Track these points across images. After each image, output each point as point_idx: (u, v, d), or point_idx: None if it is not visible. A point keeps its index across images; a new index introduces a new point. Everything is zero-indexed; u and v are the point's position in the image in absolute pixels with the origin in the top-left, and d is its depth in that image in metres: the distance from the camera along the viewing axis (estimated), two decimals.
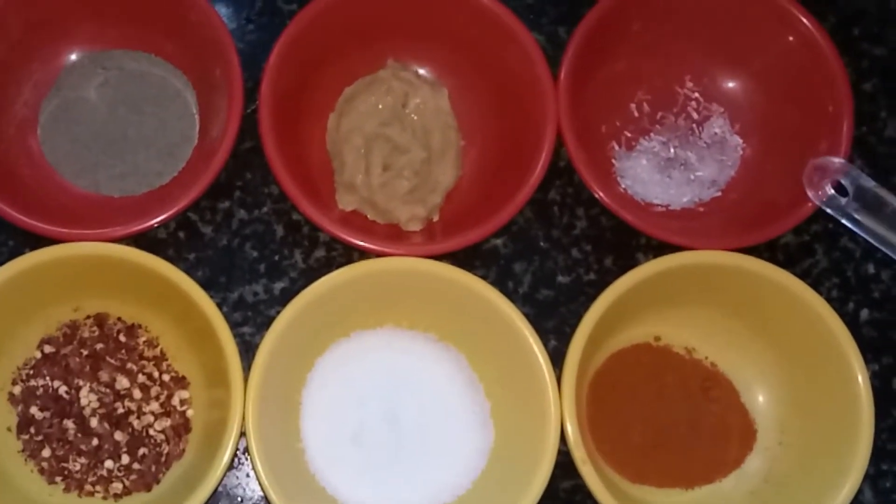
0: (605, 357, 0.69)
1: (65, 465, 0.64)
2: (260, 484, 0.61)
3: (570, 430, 0.62)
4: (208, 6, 0.66)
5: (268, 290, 0.69)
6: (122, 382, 0.65)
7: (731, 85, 0.74)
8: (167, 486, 0.65)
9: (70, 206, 0.68)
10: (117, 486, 0.64)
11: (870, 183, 0.63)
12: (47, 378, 0.65)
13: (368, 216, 0.69)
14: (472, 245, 0.66)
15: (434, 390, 0.66)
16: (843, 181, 0.63)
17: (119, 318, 0.67)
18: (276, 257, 0.70)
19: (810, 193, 0.64)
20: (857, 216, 0.64)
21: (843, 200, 0.63)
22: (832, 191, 0.64)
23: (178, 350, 0.67)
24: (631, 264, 0.66)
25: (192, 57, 0.69)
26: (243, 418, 0.61)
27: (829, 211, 0.64)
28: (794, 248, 0.73)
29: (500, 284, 0.68)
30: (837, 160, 0.64)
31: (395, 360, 0.67)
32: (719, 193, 0.73)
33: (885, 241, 0.64)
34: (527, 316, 0.64)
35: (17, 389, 0.66)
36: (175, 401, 0.66)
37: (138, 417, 0.65)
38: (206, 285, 0.64)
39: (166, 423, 0.65)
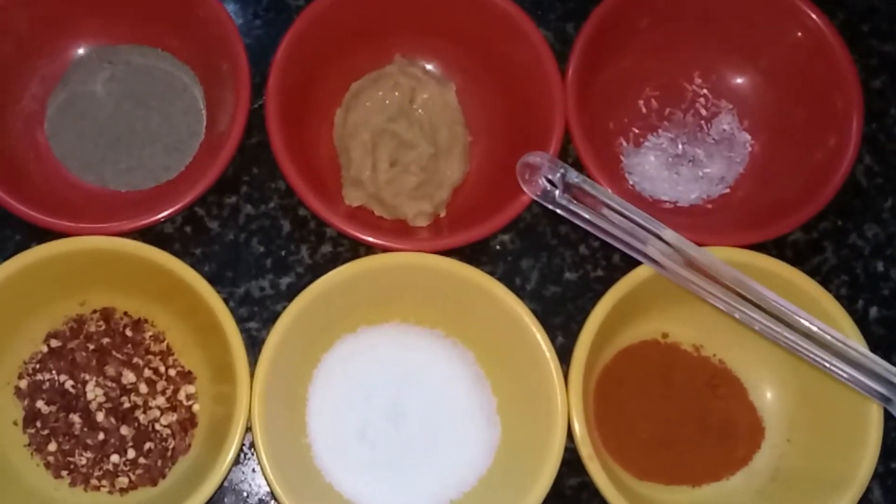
0: (613, 354, 0.69)
1: (71, 459, 0.64)
2: (266, 479, 0.61)
3: (577, 426, 0.62)
4: (216, 1, 0.66)
5: (274, 286, 0.69)
6: (129, 377, 0.65)
7: (739, 81, 0.74)
8: (173, 480, 0.64)
9: (76, 201, 0.68)
10: (123, 481, 0.64)
11: (575, 176, 0.63)
12: (53, 372, 0.65)
13: (375, 212, 0.69)
14: (479, 241, 0.66)
15: (440, 386, 0.66)
16: (549, 176, 0.63)
17: (125, 313, 0.67)
18: (283, 252, 0.70)
19: (525, 189, 0.64)
20: (571, 207, 0.63)
21: (556, 193, 0.63)
22: (546, 184, 0.63)
23: (185, 345, 0.67)
24: (639, 261, 0.66)
25: (200, 52, 0.69)
26: (249, 413, 0.61)
27: (544, 203, 0.64)
28: (803, 245, 0.73)
29: (507, 280, 0.68)
30: (541, 156, 0.63)
31: (401, 357, 0.66)
32: (727, 190, 0.72)
33: (598, 228, 0.64)
34: (534, 312, 0.64)
35: (23, 383, 0.66)
36: (181, 395, 0.66)
37: (144, 412, 0.65)
38: (213, 280, 0.64)
39: (172, 417, 0.65)
